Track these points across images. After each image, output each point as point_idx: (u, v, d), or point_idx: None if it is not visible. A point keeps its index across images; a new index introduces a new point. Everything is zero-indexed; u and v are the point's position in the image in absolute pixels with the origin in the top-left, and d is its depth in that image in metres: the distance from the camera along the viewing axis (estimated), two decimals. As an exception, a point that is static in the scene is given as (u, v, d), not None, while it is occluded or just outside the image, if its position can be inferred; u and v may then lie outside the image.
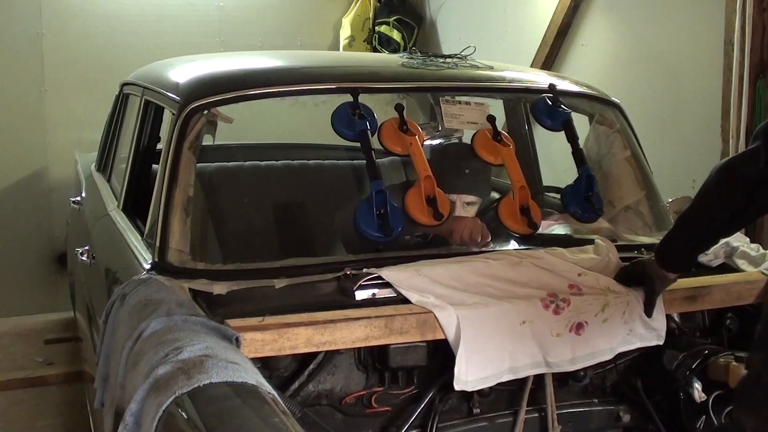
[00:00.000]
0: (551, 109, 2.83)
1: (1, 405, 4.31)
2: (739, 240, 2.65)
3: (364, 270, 2.27)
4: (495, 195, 3.01)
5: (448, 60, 2.94)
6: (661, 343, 2.41)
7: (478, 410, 2.39)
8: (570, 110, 2.84)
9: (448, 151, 2.91)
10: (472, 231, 2.62)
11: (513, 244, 2.67)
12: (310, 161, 3.64)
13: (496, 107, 3.12)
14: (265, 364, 2.14)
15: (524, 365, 2.24)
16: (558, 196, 2.92)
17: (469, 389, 2.19)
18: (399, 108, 2.68)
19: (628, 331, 2.38)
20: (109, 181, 3.70)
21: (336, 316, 2.11)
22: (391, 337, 2.13)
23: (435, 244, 2.61)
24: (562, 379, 2.44)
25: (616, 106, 3.01)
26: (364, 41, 6.39)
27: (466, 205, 2.77)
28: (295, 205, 3.40)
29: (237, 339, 1.92)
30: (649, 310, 2.36)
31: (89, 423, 3.34)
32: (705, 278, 2.49)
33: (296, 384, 2.23)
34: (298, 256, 2.40)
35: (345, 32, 6.39)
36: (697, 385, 2.37)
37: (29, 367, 4.73)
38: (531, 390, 2.37)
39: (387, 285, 2.24)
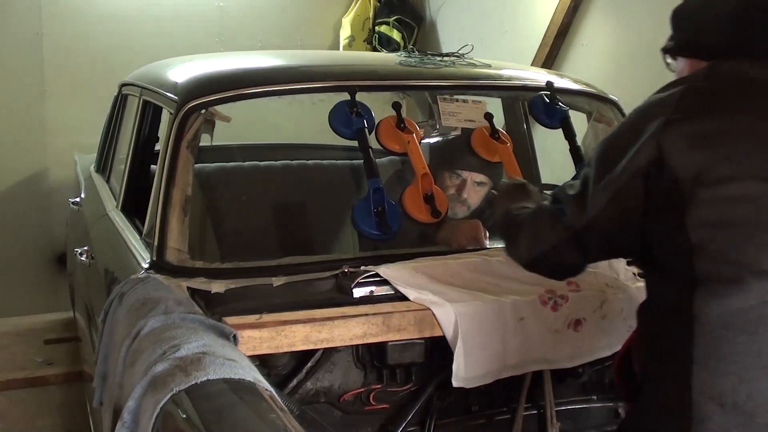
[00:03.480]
0: (549, 107, 2.84)
1: (1, 405, 4.30)
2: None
3: (362, 267, 2.27)
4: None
5: (445, 58, 2.94)
6: None
7: (477, 407, 2.39)
8: (567, 108, 2.85)
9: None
10: (469, 238, 2.62)
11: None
12: (309, 161, 3.65)
13: (494, 105, 3.12)
14: (263, 362, 2.14)
15: (522, 362, 2.24)
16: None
17: (467, 386, 2.19)
18: (396, 106, 2.68)
19: (628, 328, 2.37)
20: (108, 181, 3.71)
21: (334, 313, 2.11)
22: (389, 335, 2.14)
23: (433, 241, 2.61)
24: (561, 375, 2.43)
25: (613, 104, 3.01)
26: (364, 41, 6.39)
27: (476, 185, 2.79)
28: (293, 205, 3.40)
29: (234, 336, 1.93)
30: None
31: (89, 423, 3.34)
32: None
33: (294, 381, 2.24)
34: (296, 255, 2.40)
35: (345, 32, 6.40)
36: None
37: (29, 367, 4.73)
38: (529, 387, 2.37)
39: (385, 282, 2.24)
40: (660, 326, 1.75)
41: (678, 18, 1.90)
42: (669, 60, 1.94)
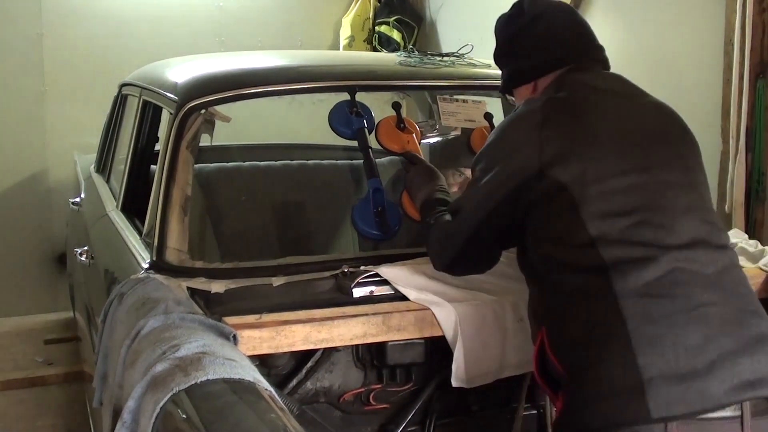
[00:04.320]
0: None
1: (1, 405, 4.31)
2: (737, 236, 2.65)
3: (362, 267, 2.28)
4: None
5: (445, 58, 2.94)
6: None
7: (477, 407, 2.39)
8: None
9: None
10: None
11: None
12: (309, 161, 3.65)
13: (494, 105, 3.12)
14: (263, 362, 2.15)
15: (522, 362, 2.24)
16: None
17: (467, 386, 2.19)
18: (396, 106, 2.68)
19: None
20: (108, 181, 3.71)
21: (334, 313, 2.11)
22: (389, 335, 2.14)
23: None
24: (561, 376, 2.43)
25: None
26: (364, 41, 6.39)
27: None
28: (293, 205, 3.40)
29: (234, 336, 1.93)
30: None
31: (89, 423, 3.35)
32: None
33: (294, 381, 2.24)
34: (296, 255, 2.40)
35: (345, 32, 6.40)
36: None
37: (29, 367, 4.74)
38: (529, 387, 2.37)
39: (385, 282, 2.25)
40: (582, 315, 1.85)
41: (499, 59, 2.20)
42: (510, 98, 2.22)
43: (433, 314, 2.15)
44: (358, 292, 2.22)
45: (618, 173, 1.88)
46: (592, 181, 1.86)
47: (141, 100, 3.16)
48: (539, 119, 1.93)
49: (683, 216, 1.89)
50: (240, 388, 1.59)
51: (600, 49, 2.16)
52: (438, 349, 2.22)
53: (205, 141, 2.50)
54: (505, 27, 2.17)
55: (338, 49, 6.42)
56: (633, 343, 1.75)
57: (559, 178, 1.87)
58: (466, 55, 3.01)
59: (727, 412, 1.79)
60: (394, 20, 6.26)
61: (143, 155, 3.08)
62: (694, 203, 1.93)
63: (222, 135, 2.60)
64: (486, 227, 2.02)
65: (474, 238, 2.04)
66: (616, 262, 1.81)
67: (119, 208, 3.08)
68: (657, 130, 2.01)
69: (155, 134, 3.08)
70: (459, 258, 2.10)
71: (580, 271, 1.86)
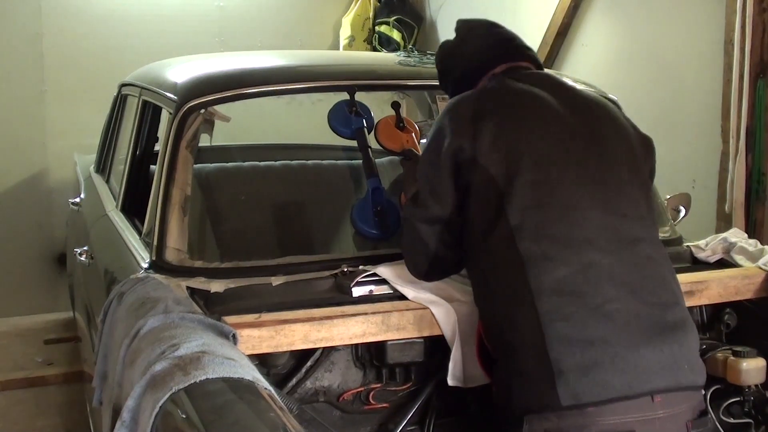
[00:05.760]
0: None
1: (1, 405, 4.31)
2: (737, 236, 2.65)
3: (361, 267, 2.28)
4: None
5: (445, 58, 2.94)
6: None
7: (476, 407, 2.39)
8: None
9: None
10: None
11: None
12: (308, 161, 3.65)
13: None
14: (262, 362, 2.14)
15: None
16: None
17: (464, 385, 2.19)
18: (395, 105, 2.69)
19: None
20: (107, 182, 3.71)
21: (333, 312, 2.11)
22: (388, 334, 2.14)
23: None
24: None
25: (613, 103, 3.00)
26: (364, 41, 6.40)
27: None
28: (292, 205, 3.40)
29: (234, 336, 1.93)
30: None
31: (89, 423, 3.34)
32: (703, 273, 2.49)
33: (294, 381, 2.24)
34: (295, 255, 2.40)
35: (345, 32, 6.40)
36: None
37: (29, 367, 4.73)
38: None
39: (384, 281, 2.25)
40: (502, 307, 2.00)
41: (442, 81, 2.39)
42: None
43: (432, 313, 2.15)
44: (357, 292, 2.23)
45: (537, 167, 2.01)
46: (515, 173, 1.99)
47: (141, 100, 3.16)
48: (471, 113, 2.07)
49: (595, 212, 2.01)
50: (239, 387, 1.59)
51: (525, 48, 2.33)
52: (437, 348, 2.22)
53: (204, 141, 2.50)
54: (441, 52, 2.38)
55: (338, 49, 6.42)
56: (546, 339, 1.90)
57: (489, 169, 2.00)
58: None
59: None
60: (394, 20, 6.27)
61: (143, 155, 3.08)
62: (608, 198, 2.04)
63: (222, 135, 2.60)
64: (445, 232, 2.11)
65: (438, 246, 2.12)
66: (532, 258, 1.94)
67: (119, 208, 3.08)
68: (579, 124, 2.11)
69: (155, 134, 3.09)
70: (431, 268, 2.19)
71: (500, 265, 2.00)
